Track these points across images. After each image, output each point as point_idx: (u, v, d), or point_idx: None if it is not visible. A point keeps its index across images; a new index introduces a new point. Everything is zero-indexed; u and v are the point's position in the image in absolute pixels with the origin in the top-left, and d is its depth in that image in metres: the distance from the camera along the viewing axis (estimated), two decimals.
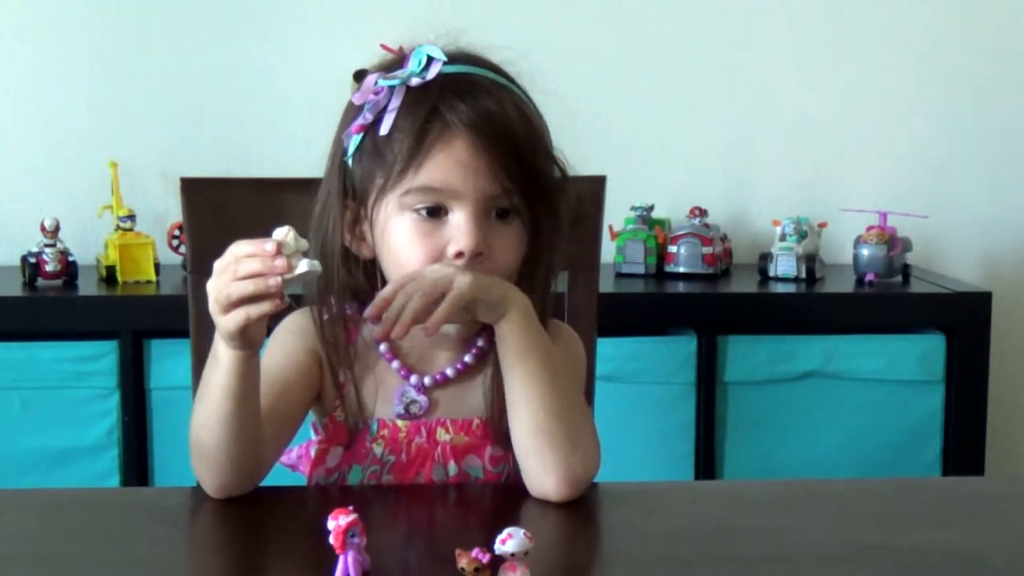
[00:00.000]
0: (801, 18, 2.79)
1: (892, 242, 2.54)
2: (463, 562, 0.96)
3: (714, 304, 2.46)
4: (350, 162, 1.35)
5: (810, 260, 2.56)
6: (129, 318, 2.32)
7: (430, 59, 1.32)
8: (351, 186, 1.35)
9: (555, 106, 1.40)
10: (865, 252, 2.54)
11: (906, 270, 2.58)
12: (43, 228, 2.41)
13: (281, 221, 1.16)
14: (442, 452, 1.35)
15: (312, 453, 1.39)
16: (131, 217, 2.47)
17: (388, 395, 1.37)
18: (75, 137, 2.67)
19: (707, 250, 2.55)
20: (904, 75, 2.82)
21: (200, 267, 1.52)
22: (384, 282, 1.35)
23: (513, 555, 0.98)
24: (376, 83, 1.32)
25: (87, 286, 2.42)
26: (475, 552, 0.96)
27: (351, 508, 1.00)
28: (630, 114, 2.75)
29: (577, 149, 1.41)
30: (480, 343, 1.38)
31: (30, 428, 2.28)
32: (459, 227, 1.30)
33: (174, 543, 1.18)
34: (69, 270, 2.41)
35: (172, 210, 2.54)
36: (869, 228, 2.56)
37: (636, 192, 2.62)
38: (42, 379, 2.29)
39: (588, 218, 1.56)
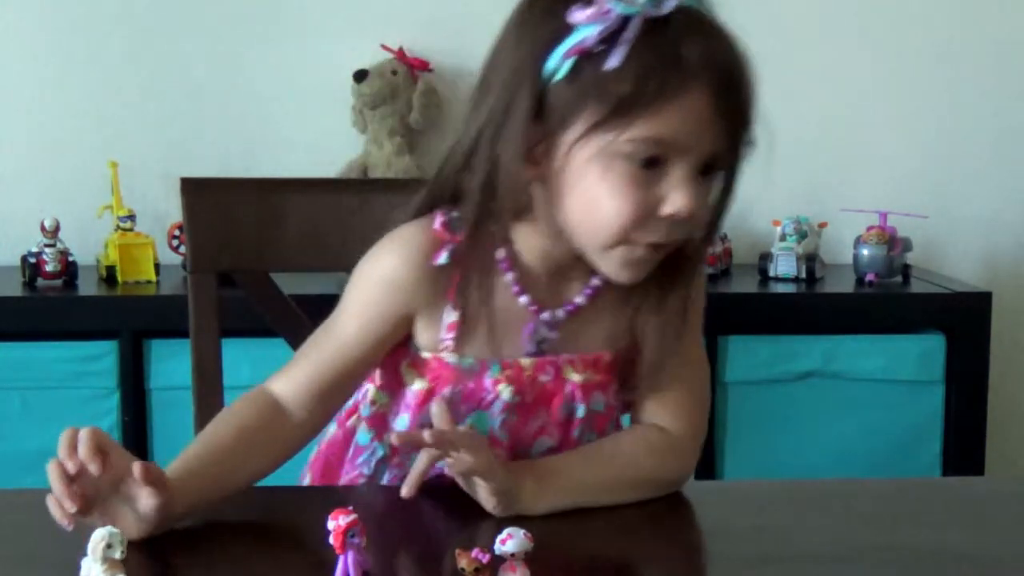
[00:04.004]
0: (801, 19, 2.79)
1: (892, 242, 2.54)
2: (463, 562, 0.96)
3: (714, 304, 2.44)
4: (549, 83, 1.18)
5: (810, 260, 2.56)
6: (129, 318, 2.32)
7: None
8: (543, 109, 1.18)
9: None
10: (865, 252, 2.54)
11: (906, 270, 2.58)
12: (43, 228, 2.41)
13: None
14: (571, 391, 1.28)
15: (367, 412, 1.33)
16: (131, 217, 2.47)
17: (515, 332, 1.27)
18: (75, 137, 2.67)
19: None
20: (904, 75, 2.82)
21: (200, 267, 1.51)
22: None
23: (513, 555, 0.98)
24: (607, 6, 1.15)
25: (87, 286, 2.42)
26: (475, 552, 0.96)
27: (351, 508, 1.00)
28: None
29: None
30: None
31: (30, 428, 2.28)
32: (678, 186, 1.18)
33: (174, 543, 1.18)
34: (69, 270, 2.41)
35: (172, 210, 2.54)
36: (869, 228, 2.56)
37: None
38: (42, 379, 2.29)
39: None
